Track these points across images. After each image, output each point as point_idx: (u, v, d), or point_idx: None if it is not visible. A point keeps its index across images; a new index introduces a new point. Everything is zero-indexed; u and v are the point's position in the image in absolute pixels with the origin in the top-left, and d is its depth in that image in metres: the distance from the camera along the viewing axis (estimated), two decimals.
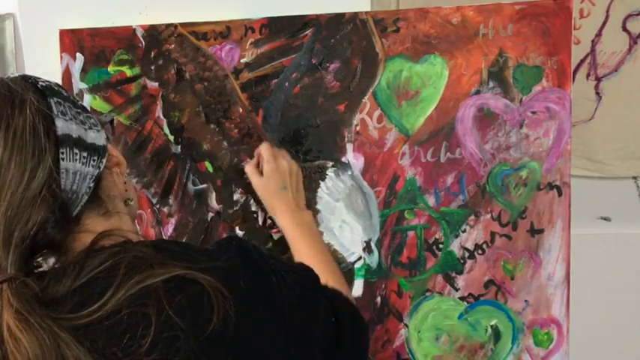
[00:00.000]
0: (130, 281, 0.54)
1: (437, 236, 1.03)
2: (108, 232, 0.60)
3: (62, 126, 0.59)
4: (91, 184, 0.61)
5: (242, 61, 1.04)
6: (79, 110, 0.63)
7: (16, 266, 0.53)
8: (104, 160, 0.64)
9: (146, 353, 0.53)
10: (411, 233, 1.03)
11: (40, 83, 0.62)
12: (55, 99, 0.61)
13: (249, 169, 0.99)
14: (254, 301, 0.60)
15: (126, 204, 0.68)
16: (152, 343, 0.53)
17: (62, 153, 0.58)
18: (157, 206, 1.06)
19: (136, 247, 0.59)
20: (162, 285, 0.55)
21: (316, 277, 0.71)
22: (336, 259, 1.04)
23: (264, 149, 0.98)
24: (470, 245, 1.03)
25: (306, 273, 0.71)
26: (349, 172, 1.04)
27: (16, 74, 0.63)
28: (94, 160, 0.62)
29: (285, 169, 0.95)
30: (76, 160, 0.59)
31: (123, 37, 1.05)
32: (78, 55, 1.06)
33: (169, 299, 0.54)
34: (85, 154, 0.60)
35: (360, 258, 1.04)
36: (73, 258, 0.57)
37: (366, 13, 1.02)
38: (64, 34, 1.06)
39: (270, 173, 0.95)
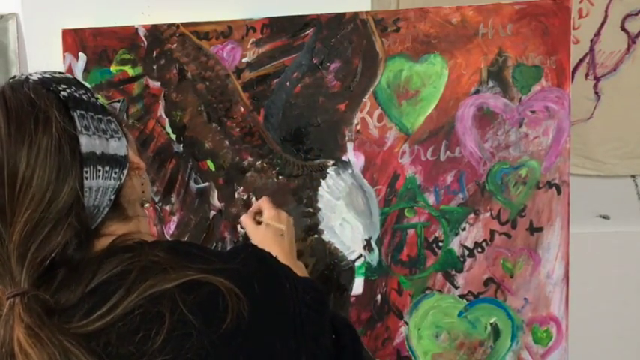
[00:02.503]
0: (143, 285, 0.55)
1: (437, 234, 1.04)
2: (125, 237, 0.60)
3: (86, 143, 0.58)
4: (112, 197, 0.61)
5: (243, 60, 1.05)
6: (100, 116, 0.62)
7: (30, 281, 0.53)
8: (125, 171, 0.63)
9: (159, 350, 0.53)
10: (411, 231, 1.04)
11: (61, 93, 0.60)
12: (79, 112, 0.59)
13: (245, 219, 0.98)
14: (267, 304, 0.60)
15: (142, 205, 0.69)
16: (165, 340, 0.53)
17: (86, 172, 0.57)
18: (160, 204, 1.07)
19: (150, 251, 0.59)
20: (176, 287, 0.56)
21: (323, 290, 0.72)
22: (337, 257, 1.05)
23: (264, 201, 0.98)
24: (469, 243, 1.03)
25: (315, 285, 0.71)
26: (350, 171, 1.04)
27: (35, 77, 0.61)
28: (115, 173, 0.61)
29: (285, 219, 0.96)
30: (99, 176, 0.59)
31: (125, 36, 1.06)
32: (80, 54, 1.07)
33: (183, 298, 0.55)
34: (107, 169, 0.60)
35: (360, 256, 1.05)
36: (87, 262, 0.57)
37: (367, 13, 1.03)
38: (66, 33, 1.07)
39: (271, 220, 0.95)
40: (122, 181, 0.63)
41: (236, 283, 0.57)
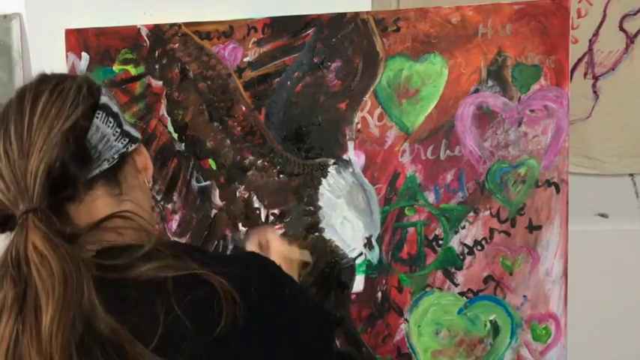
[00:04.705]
0: (145, 265, 0.56)
1: (437, 232, 1.04)
2: (123, 214, 0.62)
3: (106, 100, 0.64)
4: (115, 156, 0.64)
5: (245, 60, 1.06)
6: (121, 112, 0.69)
7: (41, 199, 0.56)
8: (133, 146, 0.66)
9: (153, 350, 0.54)
10: (411, 229, 1.05)
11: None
12: (104, 89, 0.66)
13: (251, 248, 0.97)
14: (264, 309, 0.61)
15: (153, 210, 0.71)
16: (159, 340, 0.54)
17: (98, 114, 0.62)
18: (162, 203, 1.08)
19: (156, 239, 0.61)
20: (174, 283, 0.56)
21: (330, 316, 0.72)
22: (338, 255, 1.06)
23: (271, 232, 0.95)
24: (469, 241, 1.04)
25: (323, 309, 0.72)
26: (350, 170, 1.05)
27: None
28: (124, 140, 0.65)
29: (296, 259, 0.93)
30: (109, 127, 0.64)
31: (128, 36, 1.07)
32: (83, 54, 1.08)
33: (179, 299, 0.56)
34: (117, 130, 0.64)
35: (361, 254, 1.06)
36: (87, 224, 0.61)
37: (367, 12, 1.04)
38: (69, 33, 1.08)
39: (279, 256, 0.90)
40: (127, 152, 0.65)
41: (234, 287, 0.58)
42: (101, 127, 0.63)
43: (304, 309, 0.65)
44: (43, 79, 0.63)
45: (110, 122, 0.64)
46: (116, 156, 0.64)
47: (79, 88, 0.62)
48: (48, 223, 0.56)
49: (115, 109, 0.66)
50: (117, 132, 0.64)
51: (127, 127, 0.66)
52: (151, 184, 0.71)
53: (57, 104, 0.60)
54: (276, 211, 1.06)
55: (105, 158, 0.63)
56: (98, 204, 0.63)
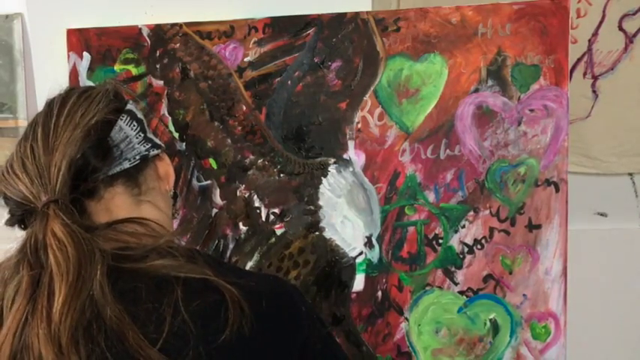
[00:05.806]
0: (158, 261, 0.58)
1: (437, 231, 1.05)
2: (140, 221, 0.63)
3: (132, 107, 0.68)
4: (137, 157, 0.66)
5: (245, 59, 1.06)
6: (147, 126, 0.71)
7: (63, 191, 0.59)
8: (156, 151, 0.69)
9: (159, 349, 0.55)
10: (411, 229, 1.05)
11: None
12: (134, 102, 0.70)
13: None
14: (275, 324, 0.61)
15: (173, 216, 0.72)
16: (165, 340, 0.55)
17: (122, 116, 0.65)
18: None
19: (170, 239, 0.63)
20: (184, 286, 0.57)
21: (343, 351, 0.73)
22: (338, 254, 1.06)
23: None
24: (469, 240, 1.04)
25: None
26: (351, 169, 1.06)
27: None
28: (146, 144, 0.68)
29: None
30: (132, 129, 0.66)
31: (129, 36, 1.07)
32: (85, 54, 1.08)
33: (187, 302, 0.56)
34: (141, 135, 0.67)
35: (361, 253, 1.06)
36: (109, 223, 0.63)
37: (367, 12, 1.04)
38: (71, 33, 1.08)
39: None
40: (149, 156, 0.68)
41: (244, 298, 0.58)
42: (125, 128, 0.65)
43: (320, 335, 0.65)
44: (73, 88, 0.67)
45: (134, 126, 0.67)
46: (137, 157, 0.66)
47: (107, 93, 0.66)
48: (68, 213, 0.57)
49: (140, 116, 0.69)
50: (140, 136, 0.67)
51: (150, 135, 0.69)
52: (172, 192, 0.73)
53: (84, 105, 0.63)
54: (276, 210, 1.07)
55: (126, 158, 0.65)
56: (117, 201, 0.64)
